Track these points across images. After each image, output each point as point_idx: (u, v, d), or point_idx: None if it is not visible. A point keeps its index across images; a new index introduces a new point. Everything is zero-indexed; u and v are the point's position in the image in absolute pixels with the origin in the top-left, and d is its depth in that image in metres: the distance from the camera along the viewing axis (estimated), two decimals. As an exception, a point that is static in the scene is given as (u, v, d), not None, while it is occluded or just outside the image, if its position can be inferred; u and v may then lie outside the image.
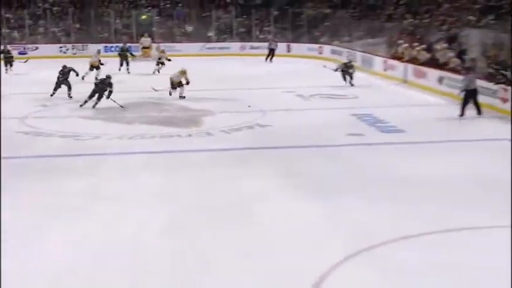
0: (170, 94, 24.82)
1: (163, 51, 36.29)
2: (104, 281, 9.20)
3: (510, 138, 10.84)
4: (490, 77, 24.08)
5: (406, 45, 33.26)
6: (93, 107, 22.59)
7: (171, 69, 29.21)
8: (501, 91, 21.96)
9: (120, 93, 23.79)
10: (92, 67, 31.50)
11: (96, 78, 27.38)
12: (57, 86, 24.74)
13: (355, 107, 23.68)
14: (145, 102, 23.44)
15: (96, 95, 22.68)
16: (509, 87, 21.80)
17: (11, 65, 34.99)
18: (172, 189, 13.81)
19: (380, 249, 10.34)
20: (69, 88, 24.84)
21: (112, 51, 43.78)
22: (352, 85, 27.77)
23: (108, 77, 23.24)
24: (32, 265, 9.76)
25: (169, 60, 34.61)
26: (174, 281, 9.31)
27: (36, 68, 34.88)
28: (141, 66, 37.21)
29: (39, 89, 27.39)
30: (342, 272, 9.53)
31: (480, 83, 23.74)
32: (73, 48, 49.09)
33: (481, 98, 22.33)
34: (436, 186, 14.03)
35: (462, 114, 20.54)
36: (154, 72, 34.32)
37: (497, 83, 23.19)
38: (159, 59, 35.17)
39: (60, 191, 13.51)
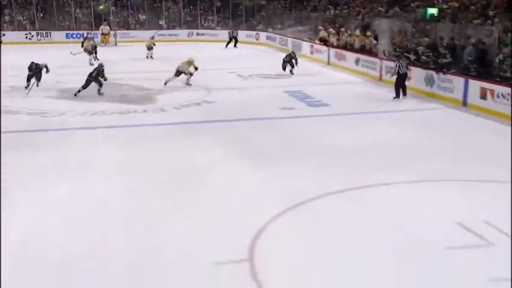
0: (166, 84, 23.63)
1: (152, 38, 36.50)
2: (70, 242, 9.25)
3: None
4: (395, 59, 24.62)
5: (329, 32, 33.83)
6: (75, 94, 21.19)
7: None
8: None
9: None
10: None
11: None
12: (28, 79, 21.90)
13: (287, 85, 23.88)
14: (107, 83, 23.06)
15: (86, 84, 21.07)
16: (411, 68, 22.24)
17: None
18: (130, 160, 13.77)
19: (309, 204, 10.77)
20: (39, 80, 22.14)
21: (74, 38, 44.66)
22: (292, 73, 26.51)
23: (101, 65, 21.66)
24: (8, 226, 9.66)
25: (154, 45, 35.17)
26: (130, 238, 9.46)
27: (4, 53, 33.29)
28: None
29: (10, 72, 26.40)
30: (278, 223, 9.94)
31: (388, 64, 24.51)
32: (38, 35, 48.40)
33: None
34: (356, 151, 14.50)
35: (397, 96, 20.66)
36: (147, 57, 34.26)
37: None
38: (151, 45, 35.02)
39: (29, 163, 13.41)
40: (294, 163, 13.32)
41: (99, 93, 21.11)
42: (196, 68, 23.30)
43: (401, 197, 11.29)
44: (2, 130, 14.29)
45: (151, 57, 34.02)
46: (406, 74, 20.70)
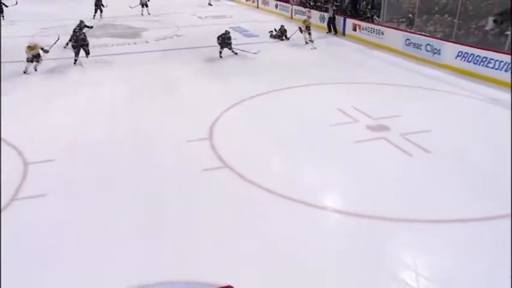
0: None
1: None
2: (89, 132, 9.41)
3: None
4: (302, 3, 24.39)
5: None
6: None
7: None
8: (307, 12, 22.31)
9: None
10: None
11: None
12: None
13: (230, 23, 23.45)
14: (107, 24, 22.31)
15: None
16: (311, 10, 22.22)
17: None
18: (126, 76, 13.68)
19: (246, 101, 11.15)
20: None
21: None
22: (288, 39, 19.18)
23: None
24: (46, 125, 9.88)
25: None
26: (131, 126, 9.68)
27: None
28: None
29: (36, 18, 25.08)
30: (227, 114, 10.29)
31: (297, 7, 24.40)
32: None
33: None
34: (276, 65, 14.73)
35: (329, 32, 19.94)
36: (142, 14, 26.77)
37: (305, 7, 23.55)
38: None
39: (58, 83, 13.25)
40: (236, 76, 13.51)
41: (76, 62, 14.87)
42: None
43: (303, 94, 11.76)
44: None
45: (148, 13, 26.64)
46: (334, 16, 19.73)
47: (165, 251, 5.70)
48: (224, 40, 15.30)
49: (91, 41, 15.86)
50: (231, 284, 3.59)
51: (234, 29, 20.84)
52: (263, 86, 12.14)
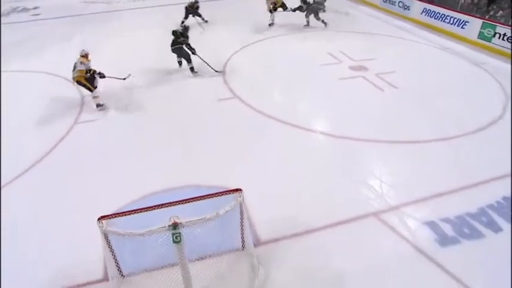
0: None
1: None
2: (127, 68, 9.42)
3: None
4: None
5: None
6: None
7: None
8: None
9: None
10: None
11: None
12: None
13: None
14: None
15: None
16: None
17: None
18: (157, 22, 13.02)
19: (252, 45, 10.88)
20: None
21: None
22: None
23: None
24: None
25: None
26: (160, 62, 9.45)
27: None
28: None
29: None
30: (237, 55, 10.15)
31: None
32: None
33: None
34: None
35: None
36: None
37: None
38: None
39: (105, 30, 12.97)
40: (242, 25, 12.87)
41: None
42: None
43: (299, 40, 11.38)
44: (88, 12, 13.31)
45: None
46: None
47: (189, 161, 5.95)
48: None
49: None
50: (240, 187, 3.76)
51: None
52: (264, 34, 11.77)
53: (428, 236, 4.55)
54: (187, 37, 8.79)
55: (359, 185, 5.37)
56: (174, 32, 8.73)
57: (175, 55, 9.02)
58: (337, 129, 6.69)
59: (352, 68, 9.20)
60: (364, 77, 8.67)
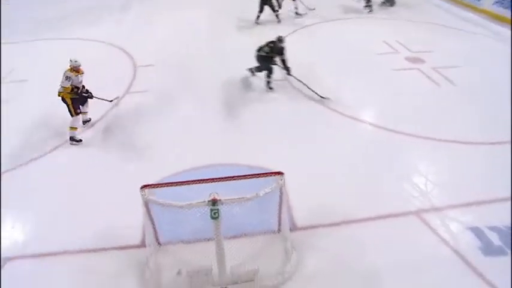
0: None
1: None
2: (178, 44, 9.62)
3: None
4: None
5: None
6: None
7: None
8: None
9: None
10: None
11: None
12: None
13: None
14: None
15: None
16: None
17: None
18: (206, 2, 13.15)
19: (307, 27, 10.69)
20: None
21: None
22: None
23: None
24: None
25: None
26: (209, 39, 9.73)
27: None
28: None
29: None
30: (290, 38, 9.80)
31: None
32: None
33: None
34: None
35: None
36: None
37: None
38: None
39: (164, 2, 13.15)
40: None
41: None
42: None
43: (355, 26, 11.07)
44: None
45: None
46: None
47: (232, 140, 6.03)
48: None
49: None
50: (282, 171, 3.76)
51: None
52: (320, 17, 11.55)
53: (471, 242, 4.35)
54: (281, 50, 7.13)
55: (403, 181, 5.23)
56: (271, 43, 7.19)
57: (223, 33, 9.41)
58: (385, 121, 6.50)
59: (408, 59, 8.86)
60: (419, 70, 8.33)
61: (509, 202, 4.83)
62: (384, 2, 12.31)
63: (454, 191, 5.07)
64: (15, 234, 4.57)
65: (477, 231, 4.49)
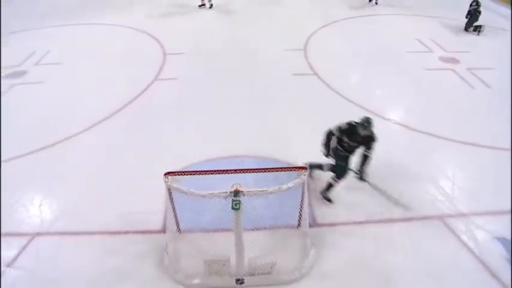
0: None
1: None
2: (209, 37, 9.63)
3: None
4: None
5: None
6: None
7: None
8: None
9: None
10: None
11: None
12: None
13: None
14: None
15: None
16: None
17: None
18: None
19: (337, 22, 10.55)
20: None
21: None
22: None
23: None
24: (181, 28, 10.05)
25: None
26: (237, 33, 9.68)
27: None
28: None
29: None
30: (319, 32, 9.94)
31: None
32: None
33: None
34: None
35: None
36: None
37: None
38: None
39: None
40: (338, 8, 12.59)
41: None
42: None
43: (385, 23, 10.79)
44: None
45: None
46: None
47: (254, 131, 6.02)
48: None
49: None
50: (305, 166, 3.77)
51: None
52: (352, 11, 11.41)
53: (497, 252, 4.23)
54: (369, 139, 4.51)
55: (428, 184, 5.11)
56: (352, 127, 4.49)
57: (254, 28, 9.56)
58: (414, 121, 6.36)
59: (442, 59, 8.61)
60: (454, 70, 8.09)
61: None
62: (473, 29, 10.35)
63: (482, 198, 4.93)
64: (43, 212, 4.72)
65: (504, 242, 4.36)
